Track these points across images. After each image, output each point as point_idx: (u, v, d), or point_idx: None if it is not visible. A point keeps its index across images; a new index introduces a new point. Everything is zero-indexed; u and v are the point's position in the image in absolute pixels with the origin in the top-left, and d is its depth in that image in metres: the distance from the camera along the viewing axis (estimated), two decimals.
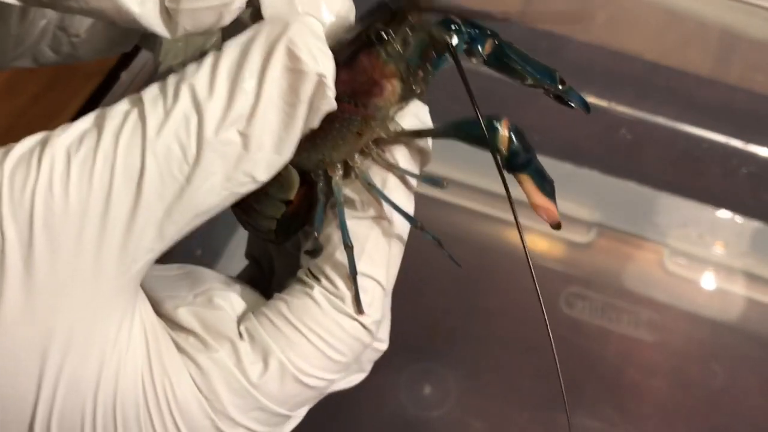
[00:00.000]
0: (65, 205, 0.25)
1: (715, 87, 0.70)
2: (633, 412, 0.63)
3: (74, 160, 0.26)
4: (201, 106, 0.26)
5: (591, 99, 0.70)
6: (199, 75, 0.27)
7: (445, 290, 0.67)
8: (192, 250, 0.66)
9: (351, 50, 0.30)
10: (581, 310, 0.67)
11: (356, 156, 0.32)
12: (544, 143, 0.32)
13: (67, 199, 0.25)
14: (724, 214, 0.72)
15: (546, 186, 0.31)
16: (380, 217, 0.32)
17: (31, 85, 0.63)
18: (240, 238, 0.65)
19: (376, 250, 0.31)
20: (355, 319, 0.31)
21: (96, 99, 0.60)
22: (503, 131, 0.30)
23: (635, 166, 0.73)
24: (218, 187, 0.27)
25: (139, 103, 0.27)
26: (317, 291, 0.31)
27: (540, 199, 0.31)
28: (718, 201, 0.72)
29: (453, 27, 0.31)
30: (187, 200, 0.26)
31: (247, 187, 0.28)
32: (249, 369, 0.29)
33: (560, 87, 0.33)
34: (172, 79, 0.27)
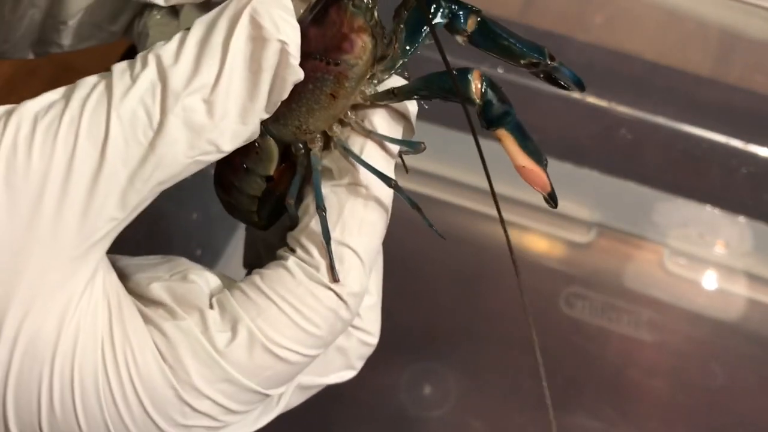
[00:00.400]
0: (27, 165, 0.25)
1: (715, 87, 0.70)
2: (633, 412, 0.63)
3: (40, 124, 0.26)
4: (166, 72, 0.27)
5: (591, 99, 0.70)
6: (167, 46, 0.27)
7: (445, 290, 0.67)
8: (192, 250, 0.66)
9: (320, 6, 0.31)
10: (581, 310, 0.67)
11: (335, 126, 0.32)
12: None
13: (30, 160, 0.25)
14: (724, 214, 0.72)
15: (529, 145, 0.30)
16: (356, 184, 0.31)
17: (31, 85, 0.63)
18: (240, 238, 0.65)
19: (352, 217, 0.30)
20: (330, 289, 0.29)
21: None
22: (475, 81, 0.30)
23: (635, 166, 0.73)
24: (181, 155, 0.27)
25: (107, 75, 0.27)
26: (291, 260, 0.30)
27: (524, 159, 0.30)
28: (718, 201, 0.72)
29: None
30: (151, 167, 0.26)
31: (212, 157, 0.28)
32: (216, 336, 0.28)
33: (549, 63, 0.33)
34: (141, 53, 0.28)
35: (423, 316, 0.66)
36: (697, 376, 0.65)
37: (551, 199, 0.31)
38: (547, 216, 0.68)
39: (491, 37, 0.32)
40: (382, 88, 0.32)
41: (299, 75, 0.28)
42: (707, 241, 0.71)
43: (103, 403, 0.27)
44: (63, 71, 0.63)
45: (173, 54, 0.27)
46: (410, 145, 0.32)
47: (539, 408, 0.63)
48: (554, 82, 0.34)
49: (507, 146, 0.30)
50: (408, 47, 0.32)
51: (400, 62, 0.32)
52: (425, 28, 0.32)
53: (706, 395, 0.64)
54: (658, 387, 0.65)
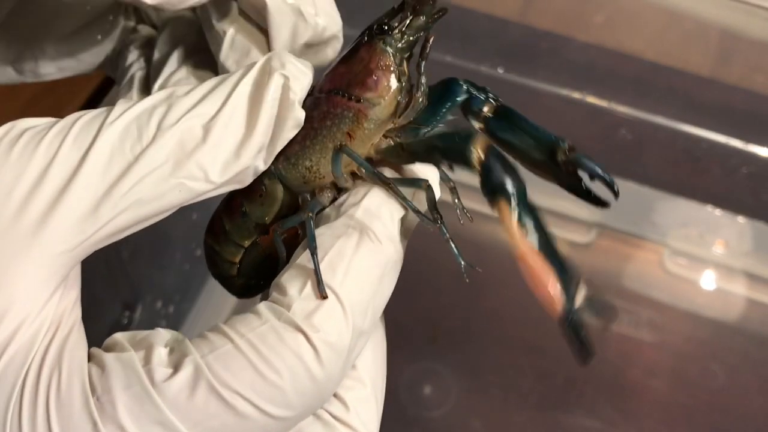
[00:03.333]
0: (2, 165, 0.24)
1: (715, 87, 0.70)
2: (633, 412, 0.63)
3: (29, 132, 0.25)
4: (173, 99, 0.26)
5: (591, 99, 0.70)
6: (183, 86, 0.27)
7: (445, 290, 0.67)
8: (192, 250, 0.66)
9: (352, 46, 0.31)
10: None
11: (347, 176, 0.30)
12: None
13: (7, 159, 0.25)
14: (724, 214, 0.72)
15: (536, 229, 0.25)
16: (353, 228, 0.28)
17: (31, 87, 0.62)
18: None
19: (339, 258, 0.27)
20: (299, 330, 0.25)
21: (95, 100, 0.60)
22: (477, 147, 0.27)
23: (635, 166, 0.73)
24: (167, 174, 0.25)
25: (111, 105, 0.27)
26: (261, 303, 0.27)
27: (523, 243, 0.24)
28: (718, 201, 0.72)
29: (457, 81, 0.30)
30: (131, 180, 0.25)
31: (199, 185, 0.26)
32: (156, 370, 0.25)
33: (569, 151, 0.27)
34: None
35: (423, 316, 0.66)
36: (697, 376, 0.65)
37: (569, 326, 0.24)
38: (547, 216, 0.67)
39: (509, 124, 0.29)
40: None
41: (299, 115, 0.27)
42: (707, 241, 0.71)
43: (8, 424, 0.24)
44: None
45: (186, 89, 0.27)
46: (413, 184, 0.30)
47: (539, 408, 0.63)
48: (578, 191, 0.27)
49: (503, 223, 0.25)
50: (430, 119, 0.31)
51: (423, 129, 0.31)
52: (448, 104, 0.30)
53: (705, 395, 0.64)
54: (658, 387, 0.65)
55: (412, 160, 0.30)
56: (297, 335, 0.25)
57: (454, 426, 0.63)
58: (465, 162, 0.27)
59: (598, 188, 0.27)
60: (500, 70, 0.69)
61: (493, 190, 0.26)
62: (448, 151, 0.28)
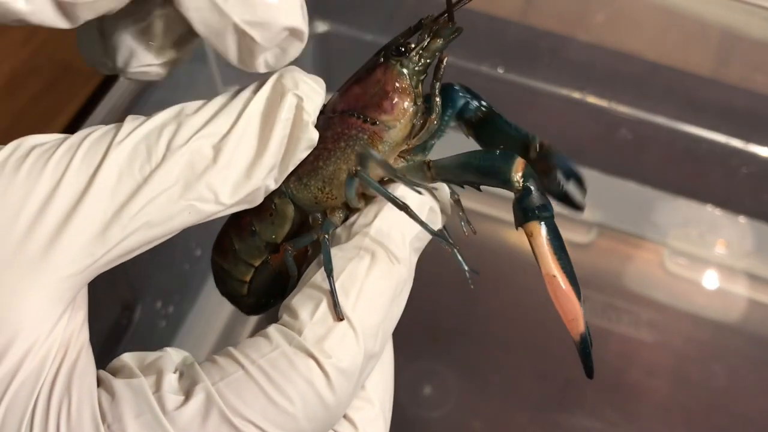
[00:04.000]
0: (10, 183, 0.24)
1: (715, 87, 0.70)
2: (633, 412, 0.63)
3: (36, 150, 0.25)
4: (182, 117, 0.26)
5: (591, 99, 0.70)
6: (193, 102, 0.27)
7: (445, 290, 0.67)
8: (192, 250, 0.66)
9: (367, 66, 0.30)
10: None
11: (358, 198, 0.30)
12: None
13: (15, 178, 0.24)
14: (724, 214, 0.72)
15: (564, 257, 0.26)
16: (364, 250, 0.28)
17: (31, 86, 0.62)
18: None
19: (351, 281, 0.27)
20: (311, 356, 0.25)
21: (95, 100, 0.60)
22: (517, 167, 0.27)
23: (635, 166, 0.73)
24: (176, 196, 0.25)
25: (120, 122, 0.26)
26: (272, 327, 0.26)
27: (556, 268, 0.26)
28: (718, 201, 0.72)
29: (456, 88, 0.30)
30: (141, 202, 0.24)
31: (209, 207, 0.26)
32: (167, 397, 0.24)
33: (539, 146, 0.29)
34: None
35: (423, 316, 0.66)
36: (698, 377, 0.65)
37: (582, 353, 0.27)
38: None
39: (484, 127, 0.31)
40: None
41: (313, 136, 0.27)
42: (707, 241, 0.71)
43: None
44: (63, 71, 0.63)
45: (196, 107, 0.26)
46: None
47: (539, 408, 0.63)
48: (559, 195, 0.29)
49: (537, 245, 0.27)
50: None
51: (430, 141, 0.31)
52: (449, 112, 0.31)
53: (706, 395, 0.64)
54: (659, 387, 0.65)
55: (440, 178, 0.30)
56: (308, 361, 0.25)
57: (454, 426, 0.63)
58: (504, 182, 0.27)
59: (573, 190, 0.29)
60: (500, 70, 0.69)
61: (530, 212, 0.27)
62: (487, 170, 0.28)
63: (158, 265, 0.63)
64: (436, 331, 0.66)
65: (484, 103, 0.31)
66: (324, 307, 0.26)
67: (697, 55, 0.71)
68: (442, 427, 0.62)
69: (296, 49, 0.26)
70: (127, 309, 0.60)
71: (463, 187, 0.30)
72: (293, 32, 0.26)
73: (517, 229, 0.27)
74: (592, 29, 0.70)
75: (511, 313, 0.66)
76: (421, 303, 0.67)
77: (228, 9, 0.24)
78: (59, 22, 0.24)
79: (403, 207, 0.28)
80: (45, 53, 0.63)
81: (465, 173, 0.29)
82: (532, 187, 0.27)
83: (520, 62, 0.69)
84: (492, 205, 0.70)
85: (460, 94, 0.31)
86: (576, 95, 0.69)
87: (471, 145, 0.31)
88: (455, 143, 0.31)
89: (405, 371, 0.64)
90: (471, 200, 0.78)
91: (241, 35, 0.25)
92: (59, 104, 0.61)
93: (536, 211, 0.27)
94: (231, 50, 0.26)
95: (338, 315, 0.26)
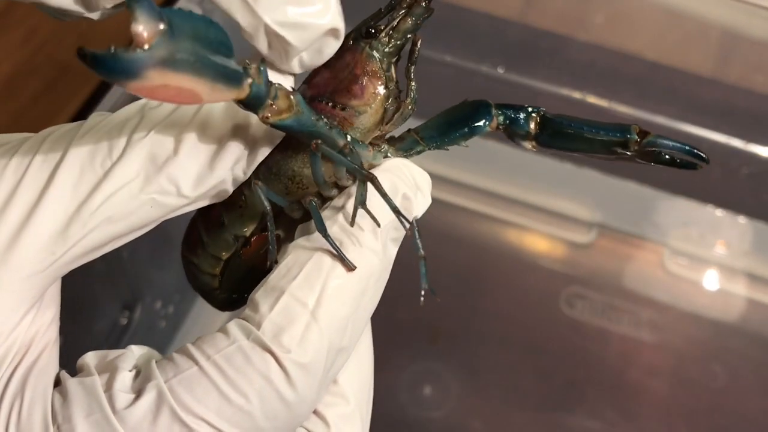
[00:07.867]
0: None
1: (715, 87, 0.70)
2: (633, 412, 0.63)
3: (1, 148, 0.24)
4: (145, 110, 0.25)
5: (591, 99, 0.70)
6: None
7: (445, 290, 0.67)
8: None
9: (337, 52, 0.29)
10: (581, 310, 0.67)
11: (331, 188, 0.29)
12: None
13: None
14: (724, 214, 0.72)
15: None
16: (326, 251, 0.26)
17: (31, 86, 0.62)
18: None
19: (317, 273, 0.26)
20: (268, 350, 0.24)
21: (95, 100, 0.60)
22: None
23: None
24: (137, 190, 0.24)
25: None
26: (232, 321, 0.25)
27: None
28: (718, 201, 0.72)
29: (485, 108, 0.30)
30: (101, 197, 0.24)
31: (171, 200, 0.25)
32: (117, 396, 0.23)
33: (641, 139, 0.29)
34: None
35: (423, 316, 0.66)
36: (698, 377, 0.65)
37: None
38: (547, 216, 0.68)
39: (564, 132, 0.29)
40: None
41: (275, 136, 0.26)
42: (708, 241, 0.71)
43: None
44: (63, 71, 0.63)
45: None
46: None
47: (539, 408, 0.63)
48: (659, 159, 0.30)
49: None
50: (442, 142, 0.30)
51: (422, 148, 0.30)
52: (465, 130, 0.30)
53: (706, 395, 0.64)
54: (659, 387, 0.65)
55: (432, 143, 0.30)
56: (265, 356, 0.24)
57: (454, 426, 0.63)
58: (485, 120, 0.29)
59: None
60: (500, 70, 0.69)
61: (519, 132, 0.30)
62: (468, 117, 0.30)
63: (158, 265, 0.63)
64: (436, 331, 0.66)
65: (532, 109, 0.30)
66: (285, 298, 0.25)
67: (697, 55, 0.71)
68: (442, 427, 0.62)
69: (332, 48, 0.26)
70: (127, 309, 0.60)
71: (447, 149, 0.30)
72: (331, 32, 0.25)
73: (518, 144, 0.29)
74: (592, 29, 0.70)
75: (511, 313, 0.66)
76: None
77: (259, 10, 0.24)
78: (77, 7, 0.24)
79: (370, 177, 0.27)
80: (45, 53, 0.63)
81: (450, 129, 0.30)
82: (509, 119, 0.29)
83: (520, 62, 0.69)
84: (492, 205, 0.70)
85: (496, 111, 0.30)
86: (576, 95, 0.69)
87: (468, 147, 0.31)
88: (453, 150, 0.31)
89: (405, 371, 0.64)
90: (471, 200, 0.78)
91: (274, 36, 0.25)
92: (59, 104, 0.61)
93: (523, 129, 0.29)
94: (265, 50, 0.25)
95: (349, 266, 0.25)
